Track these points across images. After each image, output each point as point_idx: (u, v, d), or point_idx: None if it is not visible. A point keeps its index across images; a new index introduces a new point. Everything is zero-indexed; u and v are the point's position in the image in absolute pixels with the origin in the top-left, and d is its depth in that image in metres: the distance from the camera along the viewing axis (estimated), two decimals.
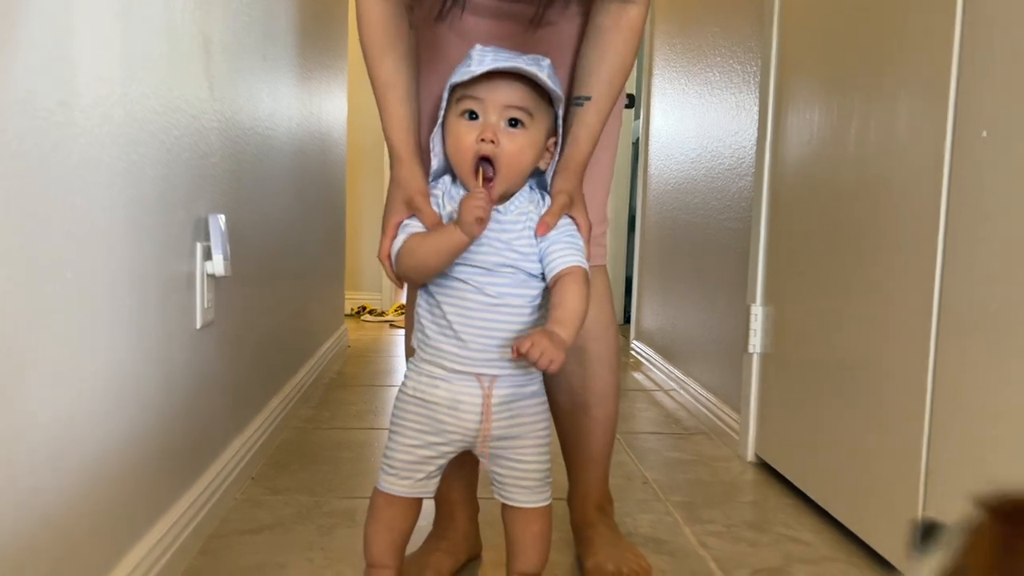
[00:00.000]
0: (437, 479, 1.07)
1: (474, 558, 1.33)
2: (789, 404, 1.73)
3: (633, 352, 3.19)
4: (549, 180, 1.08)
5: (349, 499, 1.56)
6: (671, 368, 2.68)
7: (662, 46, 2.97)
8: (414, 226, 1.03)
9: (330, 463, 1.79)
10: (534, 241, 1.02)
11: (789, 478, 1.71)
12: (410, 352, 1.15)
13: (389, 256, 1.04)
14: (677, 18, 2.78)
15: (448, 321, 1.01)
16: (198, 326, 1.35)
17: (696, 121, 2.53)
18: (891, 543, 1.31)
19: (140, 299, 1.12)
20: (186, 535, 1.27)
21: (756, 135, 1.94)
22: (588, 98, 1.11)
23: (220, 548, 1.34)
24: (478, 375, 1.01)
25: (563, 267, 1.01)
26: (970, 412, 1.13)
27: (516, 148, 0.99)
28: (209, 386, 1.45)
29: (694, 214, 2.52)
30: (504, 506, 1.09)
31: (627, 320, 3.64)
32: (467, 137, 0.99)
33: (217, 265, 1.37)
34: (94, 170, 0.97)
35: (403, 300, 3.95)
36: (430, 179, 1.07)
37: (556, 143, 1.07)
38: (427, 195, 1.04)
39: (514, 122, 0.99)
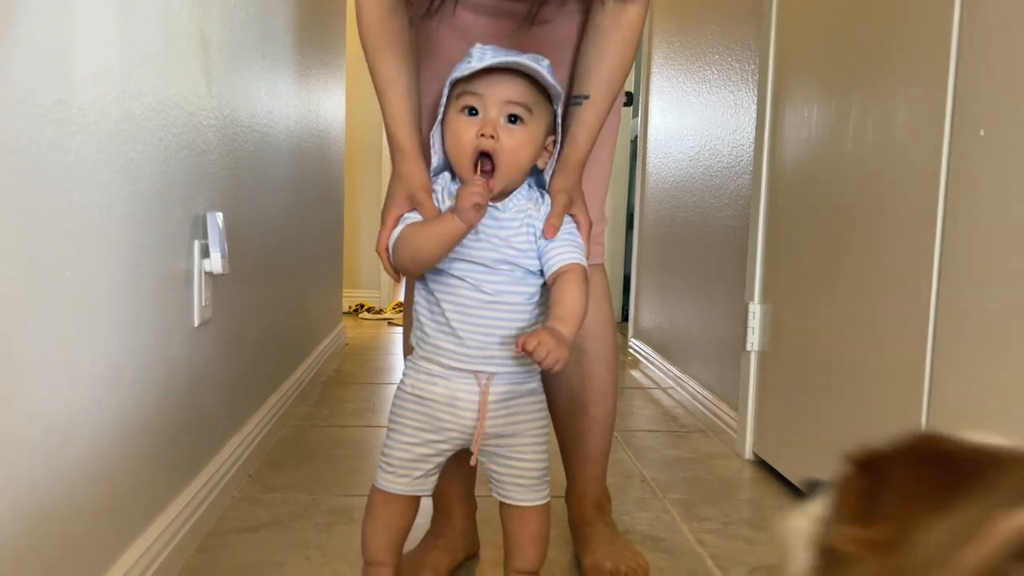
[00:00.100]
0: (435, 477, 1.07)
1: (472, 556, 1.33)
2: (787, 402, 1.73)
3: (631, 350, 3.20)
4: (548, 179, 1.08)
5: (347, 497, 1.56)
6: (669, 366, 2.68)
7: (660, 44, 2.97)
8: (413, 218, 1.03)
9: (328, 461, 1.79)
10: (532, 238, 1.02)
11: (787, 476, 1.71)
12: (408, 350, 1.15)
13: (387, 249, 1.04)
14: (675, 16, 2.78)
15: (446, 318, 1.01)
16: (196, 324, 1.35)
17: (694, 119, 2.53)
18: None
19: (138, 297, 1.12)
20: (183, 533, 1.27)
21: (754, 133, 1.94)
22: (587, 97, 1.11)
23: (218, 546, 1.34)
24: (476, 372, 1.01)
25: (562, 264, 1.01)
26: (966, 410, 1.13)
27: (515, 144, 0.99)
28: (207, 384, 1.45)
29: (692, 212, 2.52)
30: (502, 504, 1.09)
31: (625, 318, 3.64)
32: (467, 133, 0.99)
33: (215, 263, 1.37)
34: (91, 168, 0.97)
35: (401, 298, 3.95)
36: (430, 175, 1.07)
37: (555, 142, 1.07)
38: (430, 190, 1.04)
39: (513, 118, 1.00)
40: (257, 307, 1.81)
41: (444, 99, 1.04)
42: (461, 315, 1.01)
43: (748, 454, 1.90)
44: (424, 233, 1.00)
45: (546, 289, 1.04)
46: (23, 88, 0.82)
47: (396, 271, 1.06)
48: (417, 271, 1.04)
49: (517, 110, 0.99)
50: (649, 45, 3.11)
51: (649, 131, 3.11)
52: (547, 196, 1.06)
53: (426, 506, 1.19)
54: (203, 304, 1.37)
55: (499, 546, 1.15)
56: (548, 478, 1.09)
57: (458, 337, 1.01)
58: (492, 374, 1.02)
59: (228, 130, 1.55)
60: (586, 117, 1.11)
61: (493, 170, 0.99)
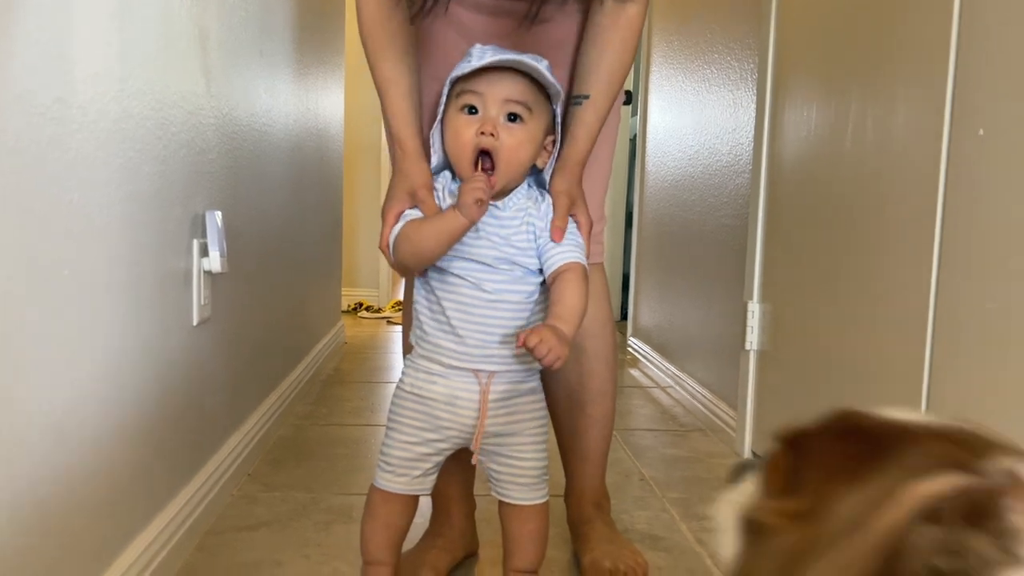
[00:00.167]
0: (434, 476, 1.07)
1: (471, 555, 1.33)
2: (786, 401, 1.73)
3: (630, 349, 3.20)
4: (548, 179, 1.08)
5: (346, 495, 1.56)
6: (668, 365, 2.68)
7: (660, 43, 2.97)
8: (414, 215, 1.03)
9: (327, 459, 1.79)
10: (532, 237, 1.03)
11: None
12: (408, 349, 1.15)
13: (389, 246, 1.04)
14: (675, 15, 2.78)
15: (446, 317, 1.01)
16: (195, 323, 1.35)
17: (693, 118, 2.53)
18: None
19: (137, 296, 1.12)
20: (183, 532, 1.27)
21: (753, 132, 1.94)
22: (587, 97, 1.11)
23: (217, 545, 1.34)
24: (476, 371, 1.02)
25: (562, 264, 1.01)
26: (965, 409, 1.13)
27: (515, 142, 1.00)
28: (206, 382, 1.45)
29: (691, 211, 2.52)
30: (501, 503, 1.09)
31: (624, 317, 3.64)
32: (467, 131, 1.00)
33: (214, 262, 1.37)
34: (91, 167, 0.97)
35: (400, 296, 3.95)
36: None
37: (554, 142, 1.07)
38: (431, 188, 1.04)
39: (513, 117, 1.00)
40: (256, 306, 1.81)
41: (444, 98, 1.04)
42: (461, 314, 1.01)
43: (747, 453, 1.90)
44: (425, 229, 1.00)
45: (546, 288, 1.04)
46: (22, 87, 0.82)
47: (397, 267, 1.06)
48: (417, 267, 1.04)
49: (517, 109, 1.00)
50: (648, 44, 3.11)
51: (648, 130, 3.11)
52: (547, 195, 1.06)
53: (425, 505, 1.19)
54: (202, 303, 1.37)
55: (498, 545, 1.15)
56: (547, 477, 1.09)
57: (458, 336, 1.01)
58: (492, 373, 1.02)
59: (227, 129, 1.55)
60: (586, 117, 1.11)
61: (493, 168, 0.99)
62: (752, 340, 1.89)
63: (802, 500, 0.42)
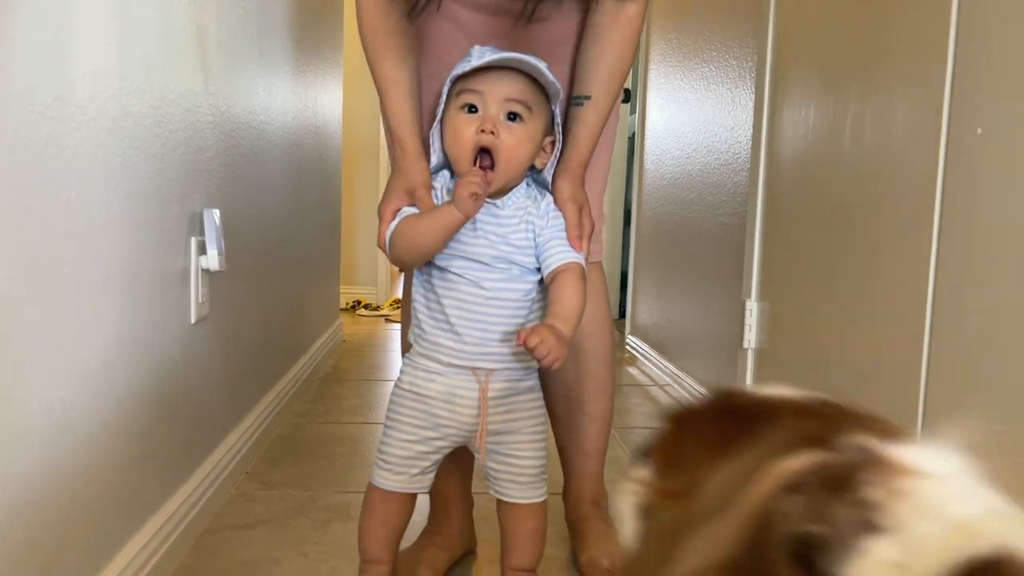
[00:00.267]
0: (432, 474, 1.08)
1: (469, 553, 1.33)
2: None
3: (628, 347, 3.20)
4: (549, 180, 1.08)
5: (344, 494, 1.56)
6: (666, 363, 2.68)
7: (658, 41, 2.97)
8: (410, 212, 1.03)
9: (325, 458, 1.79)
10: (531, 236, 1.03)
11: None
12: (406, 348, 1.15)
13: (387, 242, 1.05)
14: (673, 13, 2.78)
15: (445, 315, 1.01)
16: (192, 321, 1.35)
17: (692, 116, 2.53)
18: None
19: (135, 294, 1.12)
20: (180, 530, 1.27)
21: (752, 130, 1.94)
22: (588, 97, 1.11)
23: (214, 543, 1.34)
24: (474, 369, 1.02)
25: (560, 263, 1.02)
26: (963, 408, 1.13)
27: (515, 141, 1.00)
28: (204, 381, 1.44)
29: (690, 209, 2.52)
30: (499, 501, 1.09)
31: (622, 315, 3.65)
32: (467, 130, 1.00)
33: (212, 260, 1.37)
34: (89, 165, 0.97)
35: (398, 294, 3.95)
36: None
37: (553, 143, 1.07)
38: (429, 188, 1.04)
39: (513, 116, 1.00)
40: (254, 304, 1.81)
41: (444, 97, 1.04)
42: (460, 311, 1.01)
43: None
44: (421, 224, 1.01)
45: (544, 286, 1.04)
46: (22, 85, 0.82)
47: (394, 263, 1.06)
48: (413, 262, 1.04)
49: (517, 108, 1.00)
50: (647, 42, 3.11)
51: (647, 128, 3.11)
52: (547, 194, 1.07)
53: (423, 503, 1.19)
54: (200, 301, 1.37)
55: (496, 543, 1.15)
56: (546, 475, 1.09)
57: (456, 334, 1.01)
58: (490, 371, 1.02)
59: (225, 127, 1.55)
60: (588, 118, 1.11)
61: (492, 166, 0.99)
62: (750, 338, 1.89)
63: (680, 478, 0.43)
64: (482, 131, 0.98)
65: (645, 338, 3.02)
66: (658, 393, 2.54)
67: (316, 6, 2.57)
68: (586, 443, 1.31)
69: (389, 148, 1.13)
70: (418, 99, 1.11)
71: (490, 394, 1.02)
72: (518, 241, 1.02)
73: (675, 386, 2.53)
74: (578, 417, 1.30)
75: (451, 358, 1.02)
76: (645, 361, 2.92)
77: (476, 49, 1.01)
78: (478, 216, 1.01)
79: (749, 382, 1.89)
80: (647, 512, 0.45)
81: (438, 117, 1.04)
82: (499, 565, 1.13)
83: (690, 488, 0.41)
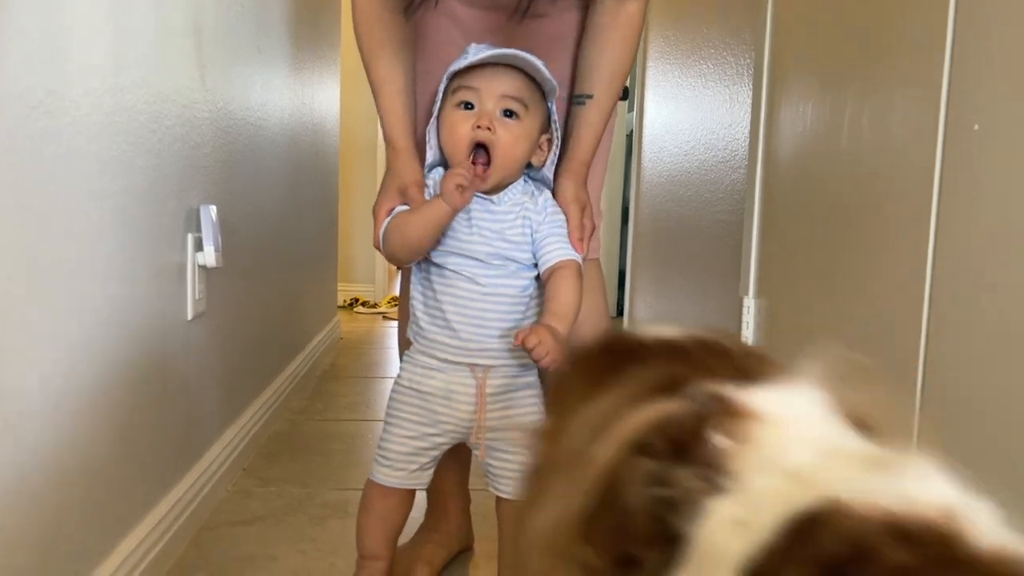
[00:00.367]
0: (431, 471, 1.07)
1: (466, 550, 1.33)
2: None
3: None
4: (550, 178, 1.08)
5: (341, 490, 1.56)
6: None
7: (656, 38, 2.97)
8: (404, 209, 1.04)
9: (322, 454, 1.79)
10: (527, 232, 1.03)
11: None
12: (404, 344, 1.15)
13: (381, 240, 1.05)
14: (672, 11, 2.78)
15: (442, 312, 1.01)
16: (189, 317, 1.35)
17: (689, 113, 2.53)
18: None
19: (131, 290, 1.12)
20: (178, 526, 1.27)
21: (749, 127, 1.94)
22: (590, 96, 1.11)
23: (211, 539, 1.34)
24: (471, 365, 1.02)
25: (557, 260, 1.01)
26: (960, 406, 1.13)
27: (511, 138, 1.00)
28: (200, 377, 1.44)
29: (687, 206, 2.52)
30: (497, 498, 1.09)
31: (620, 312, 3.65)
32: (463, 126, 1.00)
33: (208, 256, 1.37)
34: (84, 160, 0.97)
35: (396, 292, 3.94)
36: (424, 171, 1.07)
37: (550, 141, 1.06)
38: (422, 185, 1.04)
39: (509, 113, 1.00)
40: (251, 301, 1.81)
41: (440, 94, 1.04)
42: (456, 307, 1.01)
43: None
44: (412, 219, 1.01)
45: (540, 283, 1.04)
46: (16, 80, 0.82)
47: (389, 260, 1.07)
48: (407, 258, 1.04)
49: (513, 105, 1.00)
50: (645, 39, 3.11)
51: (644, 125, 3.11)
52: (545, 190, 1.07)
53: (420, 500, 1.19)
54: (196, 297, 1.36)
55: (494, 540, 1.15)
56: None
57: (453, 330, 1.01)
58: (488, 367, 1.02)
59: (222, 123, 1.54)
60: (590, 116, 1.11)
61: (488, 163, 0.99)
62: (748, 336, 1.89)
63: (555, 419, 0.43)
64: (478, 127, 0.98)
65: None
66: None
67: (314, 3, 2.56)
68: None
69: (386, 147, 1.13)
70: (412, 97, 1.11)
71: (488, 390, 1.02)
72: (514, 237, 1.02)
73: None
74: None
75: (448, 355, 1.02)
76: None
77: (473, 46, 1.01)
78: (474, 213, 1.01)
79: None
80: (533, 452, 0.45)
81: (434, 114, 1.04)
82: (497, 562, 1.13)
83: (559, 429, 0.41)
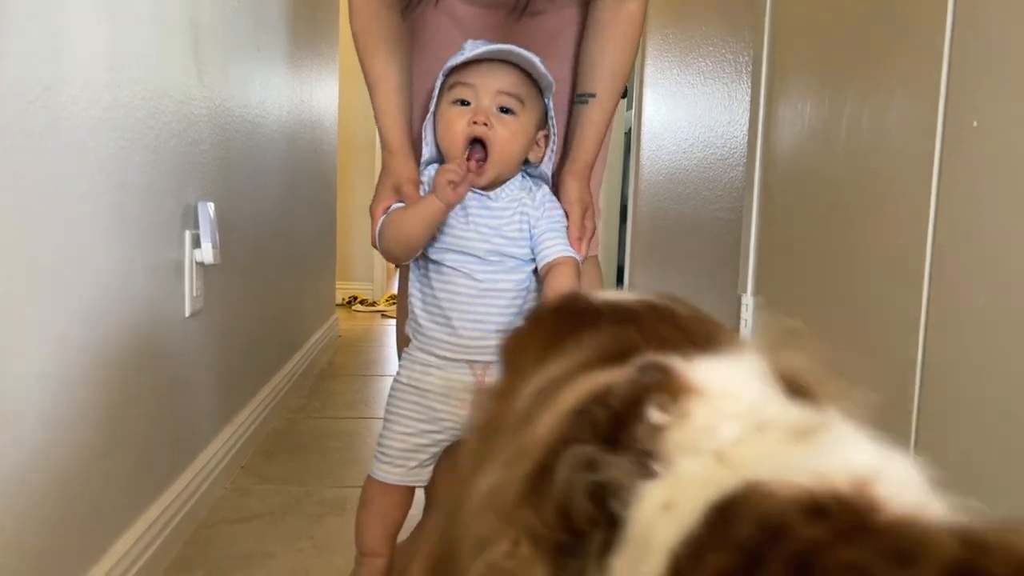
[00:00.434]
0: (430, 467, 1.07)
1: None
2: None
3: None
4: (548, 174, 1.07)
5: (339, 488, 1.56)
6: None
7: (655, 36, 2.96)
8: (400, 207, 1.04)
9: (320, 452, 1.79)
10: (525, 227, 1.02)
11: None
12: (402, 341, 1.15)
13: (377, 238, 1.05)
14: (670, 8, 2.78)
15: (441, 309, 1.01)
16: (187, 314, 1.34)
17: (688, 111, 2.53)
18: None
19: (128, 287, 1.12)
20: (175, 523, 1.27)
21: (748, 125, 1.94)
22: (593, 95, 1.11)
23: (209, 537, 1.34)
24: (470, 362, 1.01)
25: (555, 256, 1.01)
26: (957, 403, 1.13)
27: (508, 134, 0.99)
28: (198, 374, 1.44)
29: (686, 204, 2.52)
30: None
31: None
32: (459, 122, 0.99)
33: (206, 253, 1.36)
34: (81, 155, 0.96)
35: (395, 291, 3.94)
36: (420, 167, 1.07)
37: (547, 137, 1.06)
38: (416, 183, 1.04)
39: (505, 109, 0.99)
40: (249, 298, 1.80)
41: (436, 90, 1.03)
42: (454, 304, 1.01)
43: None
44: (406, 215, 1.01)
45: (538, 278, 1.04)
46: (12, 75, 0.81)
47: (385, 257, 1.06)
48: (403, 255, 1.04)
49: (510, 101, 0.99)
50: (644, 37, 3.10)
51: (643, 123, 3.10)
52: (543, 186, 1.06)
53: (419, 497, 1.19)
54: (194, 294, 1.36)
55: None
56: None
57: (451, 327, 1.01)
58: (487, 364, 1.02)
59: (220, 119, 1.54)
60: (593, 116, 1.10)
61: (485, 158, 0.99)
62: (746, 333, 1.89)
63: (507, 379, 0.43)
64: (474, 123, 0.98)
65: None
66: None
67: (312, 0, 2.56)
68: None
69: (381, 145, 1.13)
70: (407, 96, 1.11)
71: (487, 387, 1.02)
72: (511, 233, 1.02)
73: None
74: None
75: (447, 351, 1.02)
76: None
77: (469, 42, 1.01)
78: (472, 209, 1.01)
79: None
80: (482, 410, 0.45)
81: (431, 110, 1.04)
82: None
83: (509, 390, 0.41)
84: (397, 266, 1.17)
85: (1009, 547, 0.28)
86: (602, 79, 1.11)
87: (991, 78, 1.08)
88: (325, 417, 2.08)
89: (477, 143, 0.99)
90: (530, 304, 1.04)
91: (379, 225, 1.04)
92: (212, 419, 1.54)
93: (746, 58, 2.02)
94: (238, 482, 1.58)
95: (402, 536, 1.18)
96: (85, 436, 1.00)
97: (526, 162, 1.06)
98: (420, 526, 1.30)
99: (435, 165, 1.05)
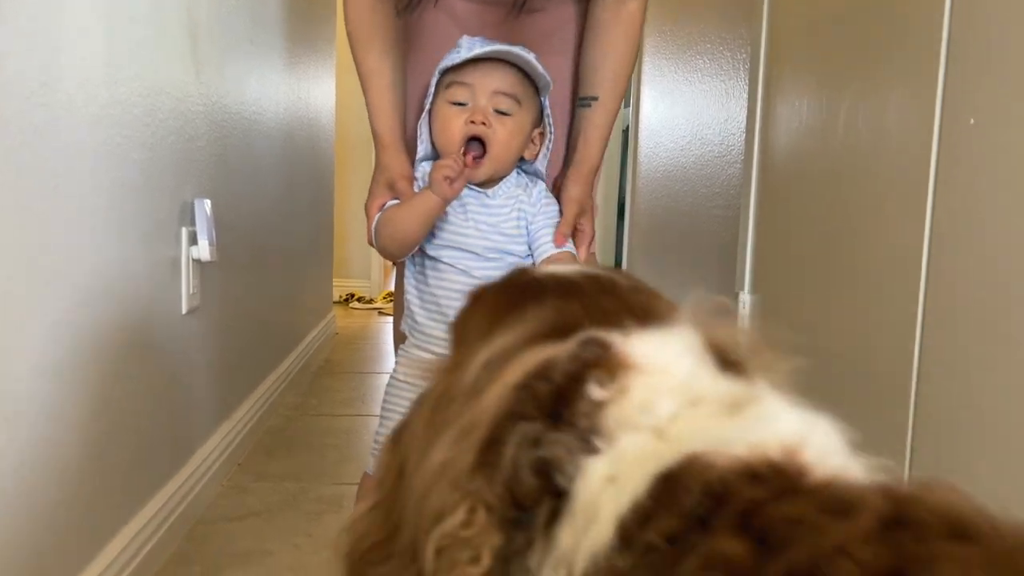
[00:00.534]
0: None
1: None
2: None
3: None
4: (543, 170, 1.07)
5: (336, 486, 1.56)
6: None
7: (652, 34, 2.96)
8: (395, 204, 1.04)
9: (317, 450, 1.78)
10: (522, 224, 1.02)
11: None
12: (398, 338, 1.15)
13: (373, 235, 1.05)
14: (668, 6, 2.78)
15: (438, 306, 1.01)
16: (183, 311, 1.34)
17: (686, 108, 2.53)
18: None
19: (125, 284, 1.11)
20: (173, 520, 1.27)
21: (745, 122, 1.94)
22: (595, 98, 1.10)
23: (207, 534, 1.34)
24: None
25: (552, 251, 1.01)
26: (955, 402, 1.13)
27: (506, 133, 0.99)
28: (195, 372, 1.44)
29: (683, 202, 2.52)
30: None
31: None
32: (456, 121, 0.99)
33: (203, 250, 1.36)
34: (79, 152, 0.96)
35: (391, 287, 3.94)
36: (415, 164, 1.07)
37: (543, 135, 1.06)
38: (410, 179, 1.04)
39: (501, 112, 0.99)
40: (246, 295, 1.80)
41: (432, 88, 1.03)
42: (452, 301, 1.01)
43: None
44: (402, 211, 1.01)
45: None
46: (11, 73, 0.81)
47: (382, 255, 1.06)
48: (399, 251, 1.04)
49: (506, 102, 0.99)
50: (642, 34, 3.10)
51: (641, 120, 3.10)
52: (539, 182, 1.06)
53: None
54: (191, 292, 1.36)
55: None
56: None
57: (448, 324, 1.01)
58: None
59: (216, 117, 1.54)
60: (596, 119, 1.10)
61: (482, 154, 0.99)
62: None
63: (456, 353, 0.45)
64: (472, 123, 0.98)
65: None
66: None
67: None
68: None
69: (374, 142, 1.13)
70: (401, 93, 1.11)
71: None
72: (509, 230, 1.02)
73: None
74: None
75: (444, 349, 1.01)
76: None
77: (466, 40, 1.00)
78: (469, 207, 1.01)
79: None
80: (431, 382, 0.46)
81: (427, 108, 1.03)
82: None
83: (457, 364, 0.42)
84: (394, 263, 1.17)
85: (929, 500, 0.31)
86: (604, 82, 1.11)
87: (989, 76, 1.08)
88: (322, 414, 2.08)
89: (474, 140, 0.99)
90: None
91: (375, 222, 1.04)
92: (209, 416, 1.54)
93: (744, 55, 2.02)
94: (235, 479, 1.58)
95: None
96: (82, 433, 1.00)
97: (521, 159, 1.06)
98: None
99: (430, 162, 1.05)
